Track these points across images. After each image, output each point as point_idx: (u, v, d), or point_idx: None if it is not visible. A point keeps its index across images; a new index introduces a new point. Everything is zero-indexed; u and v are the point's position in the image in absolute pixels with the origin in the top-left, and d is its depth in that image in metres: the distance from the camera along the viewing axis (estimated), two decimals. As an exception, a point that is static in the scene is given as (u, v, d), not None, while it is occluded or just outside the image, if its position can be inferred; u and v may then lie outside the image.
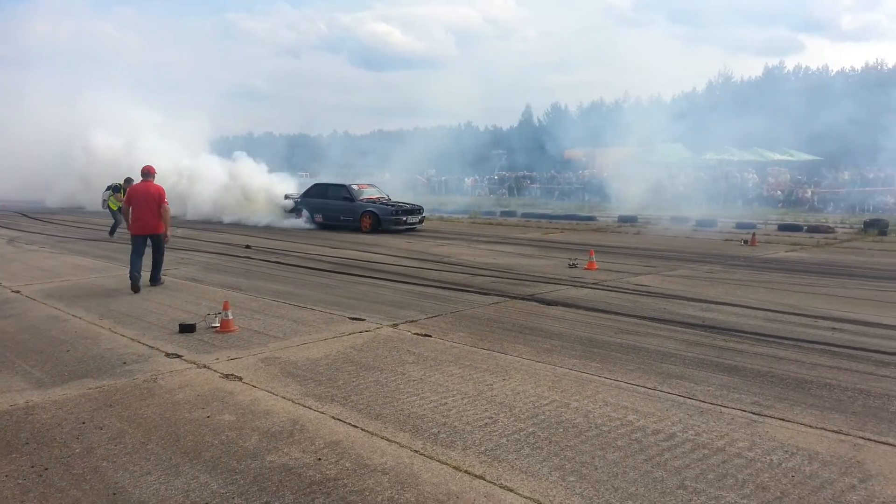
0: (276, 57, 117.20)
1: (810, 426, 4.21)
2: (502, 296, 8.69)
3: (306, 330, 6.79)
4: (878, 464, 3.66)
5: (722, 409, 4.52)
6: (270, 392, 4.87)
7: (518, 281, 9.93)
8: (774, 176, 30.84)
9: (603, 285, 9.56)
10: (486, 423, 4.26)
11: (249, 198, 21.50)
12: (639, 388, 4.97)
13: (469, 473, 3.56)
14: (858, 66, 61.86)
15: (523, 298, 8.53)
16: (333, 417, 4.36)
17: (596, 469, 3.59)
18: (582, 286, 9.48)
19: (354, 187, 19.85)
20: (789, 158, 35.29)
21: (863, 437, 4.02)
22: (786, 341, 6.34)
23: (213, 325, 6.83)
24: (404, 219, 18.42)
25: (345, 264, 11.78)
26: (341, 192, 19.52)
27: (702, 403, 4.62)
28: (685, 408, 4.54)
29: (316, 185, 20.94)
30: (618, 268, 11.28)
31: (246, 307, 7.86)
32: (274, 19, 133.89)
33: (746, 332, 6.68)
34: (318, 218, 19.58)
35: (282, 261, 12.20)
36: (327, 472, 3.56)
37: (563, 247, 14.44)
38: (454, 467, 3.63)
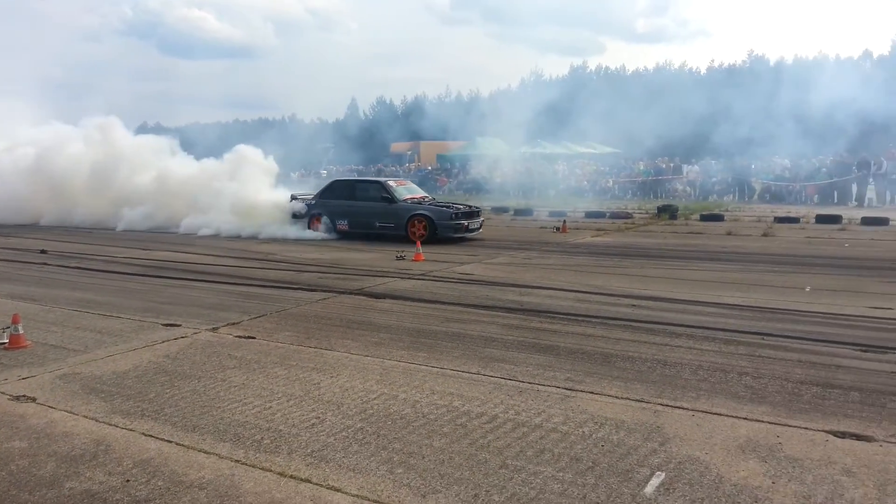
0: (74, 43, 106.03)
1: (616, 397, 4.57)
2: (330, 291, 8.55)
3: (112, 341, 6.21)
4: (674, 427, 4.05)
5: (539, 387, 4.77)
6: (70, 412, 4.38)
7: (346, 275, 9.83)
8: (581, 167, 33.30)
9: (430, 276, 9.74)
10: (313, 424, 4.15)
11: (247, 206, 16.22)
12: (464, 373, 5.11)
13: (294, 478, 3.44)
14: (651, 65, 68.61)
15: (351, 293, 8.45)
16: (144, 434, 4.01)
17: (423, 458, 3.63)
18: (409, 278, 9.60)
19: (392, 184, 15.38)
20: (593, 151, 38.39)
21: (661, 404, 4.43)
22: (593, 319, 6.86)
23: (1, 341, 6.02)
24: (465, 224, 14.27)
25: (158, 266, 10.95)
26: (376, 191, 14.89)
27: (521, 383, 4.85)
28: (506, 389, 4.74)
29: (337, 181, 16.54)
30: (444, 258, 11.56)
31: (41, 319, 7.03)
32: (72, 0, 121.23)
33: (559, 314, 7.13)
34: (343, 225, 14.98)
35: (83, 266, 11.08)
36: (137, 494, 3.26)
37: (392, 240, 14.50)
38: (279, 473, 3.49)
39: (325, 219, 15.17)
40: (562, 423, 4.11)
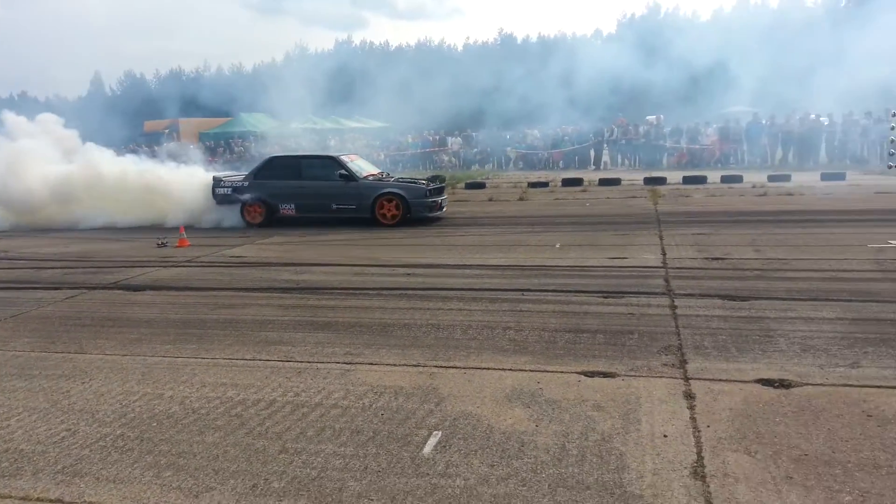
0: None
1: (395, 364, 4.67)
2: (78, 288, 7.63)
3: None
4: (448, 386, 4.23)
5: (318, 365, 4.70)
6: None
7: (98, 269, 8.84)
8: (352, 142, 33.39)
9: (196, 262, 9.13)
10: (63, 437, 3.68)
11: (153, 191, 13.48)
12: (237, 361, 4.87)
13: (42, 500, 3.02)
14: (413, 41, 70.44)
15: (105, 288, 7.62)
16: None
17: (195, 456, 3.39)
18: (173, 265, 8.91)
19: (345, 159, 13.14)
20: (363, 126, 38.65)
21: (436, 366, 4.61)
22: (370, 291, 6.94)
23: None
24: (438, 201, 12.74)
25: None
26: (329, 168, 12.73)
27: (300, 364, 4.74)
28: (284, 371, 4.60)
29: (276, 158, 14.00)
30: (211, 242, 10.90)
31: None
32: None
33: (337, 289, 7.10)
34: (288, 209, 12.75)
35: None
36: None
37: (154, 226, 13.28)
38: (22, 499, 3.04)
39: (262, 204, 12.78)
40: (342, 398, 4.09)
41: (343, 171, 12.55)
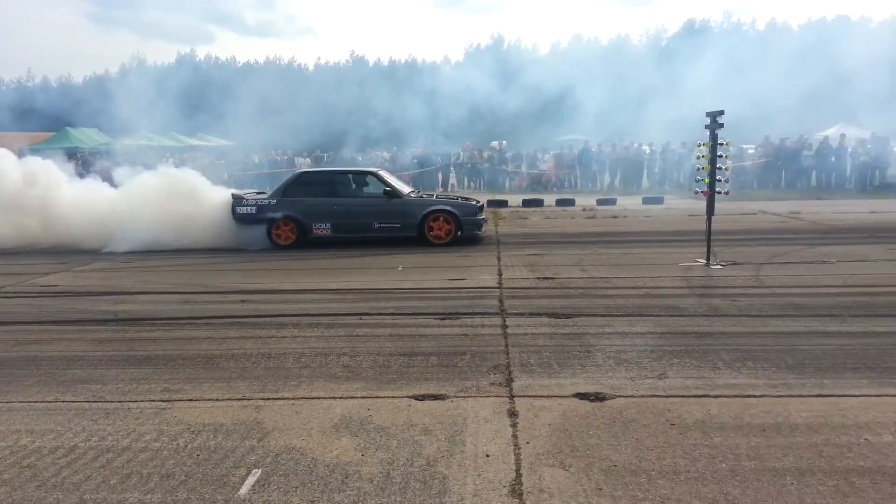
0: None
1: (217, 399, 4.41)
2: None
3: None
4: (274, 419, 4.05)
5: (130, 404, 4.34)
6: None
7: None
8: (194, 160, 31.77)
9: (0, 293, 8.19)
10: None
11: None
12: (37, 404, 4.38)
13: None
14: (262, 59, 68.59)
15: None
16: None
17: (-31, 519, 2.98)
18: (-30, 297, 7.91)
19: (385, 174, 12.44)
20: (207, 144, 36.95)
21: (263, 398, 4.41)
22: (198, 321, 6.55)
23: None
24: (485, 219, 12.28)
25: None
26: (370, 184, 12.05)
27: (109, 404, 4.35)
28: (90, 413, 4.19)
29: (306, 174, 12.93)
30: (21, 270, 9.83)
31: None
32: None
33: (160, 319, 6.63)
34: (322, 229, 11.72)
35: None
36: None
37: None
38: None
39: (293, 223, 11.67)
40: (154, 439, 3.79)
41: (387, 188, 11.75)
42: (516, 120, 34.80)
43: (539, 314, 6.42)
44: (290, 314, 6.69)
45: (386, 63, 57.37)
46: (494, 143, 29.60)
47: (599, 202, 18.66)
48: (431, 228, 11.56)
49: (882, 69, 28.91)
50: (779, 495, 3.02)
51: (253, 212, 11.71)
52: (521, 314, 6.45)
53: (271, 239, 11.69)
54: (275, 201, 11.75)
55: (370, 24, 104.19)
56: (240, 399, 4.41)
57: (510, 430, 3.82)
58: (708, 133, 8.63)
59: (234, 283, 8.48)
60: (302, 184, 12.06)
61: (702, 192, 8.95)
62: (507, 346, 5.43)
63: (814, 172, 22.79)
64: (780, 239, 11.19)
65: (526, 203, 19.10)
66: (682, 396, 4.26)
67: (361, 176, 12.47)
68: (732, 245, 10.32)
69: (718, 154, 8.55)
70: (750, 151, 24.13)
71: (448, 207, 11.69)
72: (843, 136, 23.33)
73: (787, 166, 23.15)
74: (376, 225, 11.68)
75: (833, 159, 22.44)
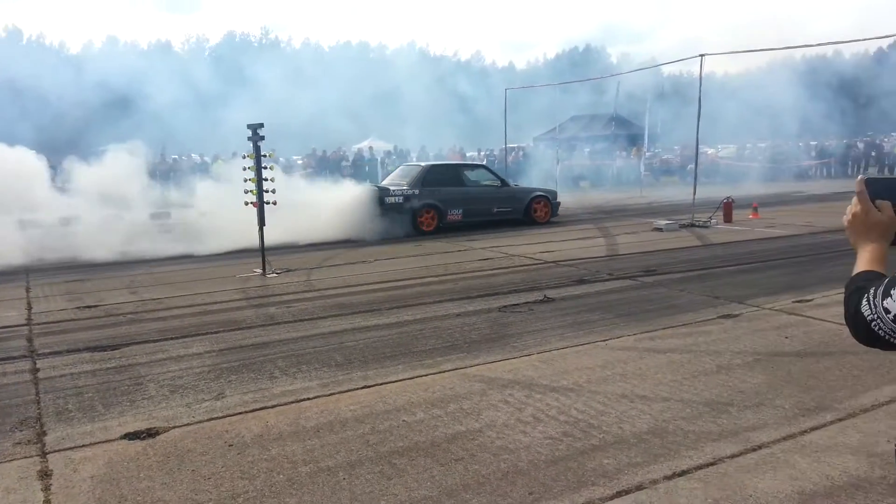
0: None
1: None
2: None
3: None
4: None
5: None
6: None
7: None
8: None
9: None
10: None
11: None
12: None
13: None
14: None
15: None
16: None
17: None
18: None
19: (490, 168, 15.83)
20: None
21: None
22: None
23: None
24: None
25: None
26: (485, 175, 14.44)
27: None
28: None
29: (436, 166, 14.42)
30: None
31: None
32: None
33: None
34: (455, 215, 13.12)
35: None
36: None
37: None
38: None
39: (434, 210, 13.07)
40: None
41: (497, 178, 14.38)
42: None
43: (79, 350, 5.62)
44: None
45: None
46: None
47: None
48: (535, 210, 14.12)
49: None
50: (332, 493, 3.18)
51: (400, 201, 12.65)
52: (57, 353, 5.56)
53: (415, 226, 12.78)
54: (417, 191, 12.88)
55: None
56: None
57: (42, 495, 3.22)
58: (251, 145, 8.79)
59: None
60: (434, 175, 13.45)
61: (251, 203, 9.08)
62: (38, 393, 4.61)
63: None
64: (328, 244, 12.08)
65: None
66: (241, 413, 4.21)
67: (476, 168, 15.18)
68: (287, 253, 10.76)
69: (263, 165, 8.78)
70: (299, 162, 25.67)
71: (544, 193, 14.65)
72: (371, 148, 26.63)
73: (330, 176, 25.37)
74: (495, 209, 13.80)
75: (367, 168, 25.38)
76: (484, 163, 18.26)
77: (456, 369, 4.89)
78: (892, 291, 1.27)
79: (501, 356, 5.17)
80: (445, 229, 13.15)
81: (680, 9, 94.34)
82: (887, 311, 1.26)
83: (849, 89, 36.88)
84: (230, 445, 3.74)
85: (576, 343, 5.44)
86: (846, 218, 1.41)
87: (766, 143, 29.23)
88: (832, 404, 4.02)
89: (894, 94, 31.40)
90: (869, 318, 1.29)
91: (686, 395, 4.26)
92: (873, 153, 29.89)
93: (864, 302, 1.31)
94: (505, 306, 6.78)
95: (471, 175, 14.37)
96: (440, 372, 4.85)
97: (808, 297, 6.71)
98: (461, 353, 5.29)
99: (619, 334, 5.65)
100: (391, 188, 13.02)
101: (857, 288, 1.35)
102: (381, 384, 4.65)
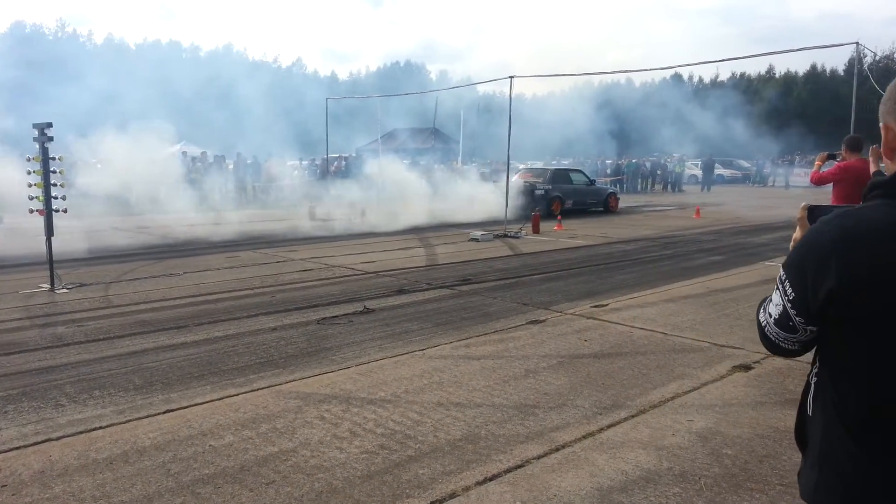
0: None
1: None
2: None
3: None
4: None
5: None
6: None
7: None
8: None
9: None
10: None
11: None
12: None
13: None
14: None
15: None
16: None
17: None
18: None
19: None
20: None
21: None
22: None
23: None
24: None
25: None
26: (582, 175, 20.77)
27: None
28: None
29: (558, 170, 20.64)
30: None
31: None
32: None
33: None
34: (569, 203, 19.18)
35: None
36: None
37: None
38: None
39: (560, 200, 18.72)
40: None
41: (588, 178, 21.07)
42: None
43: None
44: None
45: None
46: None
47: None
48: (611, 202, 20.49)
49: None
50: (124, 532, 2.89)
51: (542, 193, 18.31)
52: None
53: (549, 209, 17.88)
54: (550, 187, 18.82)
55: None
56: None
57: None
58: (38, 147, 7.84)
59: None
60: (556, 175, 19.70)
61: (37, 210, 8.11)
62: None
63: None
64: (129, 255, 11.13)
65: None
66: (19, 448, 3.70)
67: (577, 172, 21.07)
68: (80, 266, 9.75)
69: (52, 170, 7.88)
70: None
71: (614, 190, 22.00)
72: (185, 153, 25.02)
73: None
74: (588, 201, 20.00)
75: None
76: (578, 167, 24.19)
77: (270, 386, 4.69)
78: (772, 296, 1.36)
79: (319, 370, 5.04)
80: (564, 212, 18.21)
81: (492, 32, 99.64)
82: (770, 315, 1.36)
83: (638, 112, 41.18)
84: (3, 486, 3.26)
85: (394, 353, 5.45)
86: (791, 244, 1.44)
87: (568, 161, 31.78)
88: (626, 402, 4.39)
89: (677, 119, 35.54)
90: (763, 323, 1.39)
91: (497, 399, 4.43)
92: (658, 171, 33.78)
93: (760, 311, 1.41)
94: (324, 318, 6.65)
95: (574, 176, 20.35)
96: (252, 390, 4.62)
97: (604, 303, 7.31)
98: (276, 368, 5.08)
99: (436, 343, 5.76)
100: (537, 183, 18.76)
101: (761, 300, 1.44)
102: (186, 407, 4.33)
